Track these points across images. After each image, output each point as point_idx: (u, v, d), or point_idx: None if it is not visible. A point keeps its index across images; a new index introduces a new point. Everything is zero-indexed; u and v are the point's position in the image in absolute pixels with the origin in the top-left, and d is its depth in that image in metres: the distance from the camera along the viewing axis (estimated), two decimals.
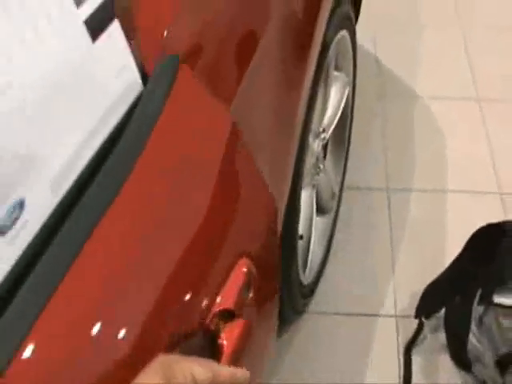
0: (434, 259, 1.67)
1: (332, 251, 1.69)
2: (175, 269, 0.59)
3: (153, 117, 0.62)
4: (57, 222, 0.53)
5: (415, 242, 1.74)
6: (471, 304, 1.40)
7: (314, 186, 1.52)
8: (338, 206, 1.74)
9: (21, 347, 0.48)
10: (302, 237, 1.41)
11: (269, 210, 0.76)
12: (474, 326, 1.39)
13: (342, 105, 1.67)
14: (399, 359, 1.49)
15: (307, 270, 1.50)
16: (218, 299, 0.63)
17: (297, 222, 1.32)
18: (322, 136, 1.55)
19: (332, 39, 1.44)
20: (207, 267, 0.64)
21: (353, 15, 1.70)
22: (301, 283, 1.43)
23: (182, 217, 0.62)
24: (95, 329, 0.52)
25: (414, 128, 2.06)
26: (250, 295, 0.67)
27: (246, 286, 0.66)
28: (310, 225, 1.51)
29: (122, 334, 0.54)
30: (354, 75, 1.79)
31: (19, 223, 0.50)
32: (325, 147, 1.63)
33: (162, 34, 0.73)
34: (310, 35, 1.23)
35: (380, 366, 1.50)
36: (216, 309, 0.63)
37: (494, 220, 1.48)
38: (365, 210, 1.82)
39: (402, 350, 1.50)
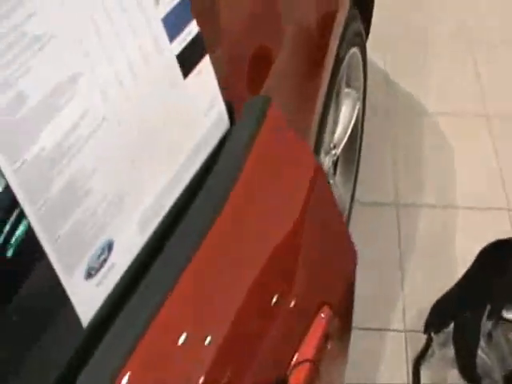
0: (443, 275, 1.68)
1: None
2: (257, 318, 0.58)
3: (241, 158, 0.60)
4: (144, 263, 0.52)
5: (424, 257, 1.75)
6: (480, 319, 1.40)
7: None
8: (348, 221, 1.76)
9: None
10: None
11: (349, 257, 0.74)
12: (482, 342, 1.40)
13: (353, 121, 1.69)
14: (408, 374, 1.50)
15: None
16: (300, 351, 0.61)
17: None
18: (333, 152, 1.57)
19: (344, 56, 1.47)
20: (291, 319, 0.62)
21: (364, 32, 1.73)
22: None
23: (267, 264, 0.60)
24: (180, 374, 0.51)
25: (424, 144, 2.08)
26: (329, 346, 0.65)
27: (326, 335, 0.65)
28: None
29: None
30: (364, 91, 1.81)
31: (107, 265, 0.49)
32: (335, 163, 1.65)
33: None
34: (324, 52, 1.25)
35: (389, 381, 1.51)
36: (297, 360, 0.61)
37: (503, 236, 1.49)
38: (374, 225, 1.83)
39: (410, 365, 1.51)
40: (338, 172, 1.72)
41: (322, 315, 0.65)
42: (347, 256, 0.74)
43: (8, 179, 0.41)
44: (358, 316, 1.63)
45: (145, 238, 0.52)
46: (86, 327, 0.48)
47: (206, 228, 0.55)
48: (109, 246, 0.48)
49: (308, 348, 0.62)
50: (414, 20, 2.52)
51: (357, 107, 1.72)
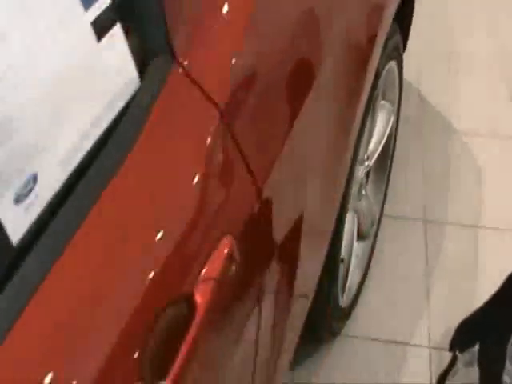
0: (470, 294, 1.67)
1: (368, 277, 1.70)
2: (160, 242, 0.66)
3: (145, 110, 0.70)
4: (65, 195, 0.62)
5: (452, 275, 1.74)
6: (507, 342, 1.39)
7: (355, 212, 1.54)
8: (377, 233, 1.76)
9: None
10: (342, 260, 1.43)
11: (249, 195, 0.82)
12: (508, 365, 1.38)
13: (387, 133, 1.69)
14: None
15: (345, 292, 1.52)
16: (203, 272, 0.69)
17: (340, 245, 1.34)
18: (366, 164, 1.57)
19: (383, 69, 1.47)
20: (194, 242, 0.70)
21: (401, 46, 1.73)
22: (338, 305, 1.45)
23: (169, 200, 0.69)
24: (99, 286, 0.60)
25: (453, 162, 2.07)
26: (233, 268, 0.73)
27: (229, 259, 0.72)
28: (351, 249, 1.52)
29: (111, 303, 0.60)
30: (399, 105, 1.82)
31: (33, 194, 0.58)
32: (367, 174, 1.66)
33: (228, 63, 0.78)
34: (366, 65, 1.26)
35: None
36: (201, 278, 0.68)
37: None
38: (402, 239, 1.83)
39: (434, 382, 1.50)
40: (369, 183, 1.72)
41: (224, 241, 0.73)
42: (247, 194, 0.81)
43: None
44: (383, 328, 1.64)
45: (66, 174, 0.62)
46: (15, 246, 0.56)
47: (113, 171, 0.65)
48: (34, 179, 0.58)
49: (211, 269, 0.69)
50: (450, 37, 2.52)
51: (391, 120, 1.73)
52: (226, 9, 0.80)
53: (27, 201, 0.57)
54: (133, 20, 0.71)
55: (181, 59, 0.74)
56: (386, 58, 1.48)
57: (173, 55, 0.74)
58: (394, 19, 1.49)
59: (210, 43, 0.78)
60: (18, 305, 0.55)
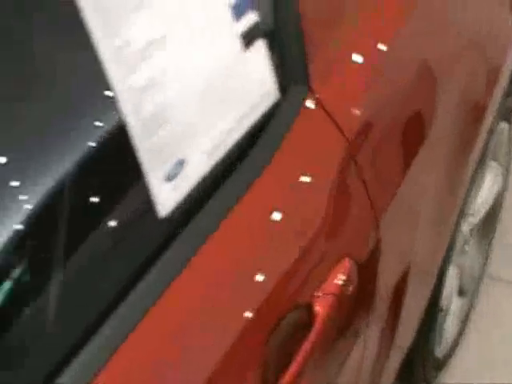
0: None
1: (465, 333, 1.69)
2: (290, 259, 0.72)
3: (279, 136, 0.77)
4: (211, 182, 0.68)
5: None
6: None
7: (457, 266, 1.55)
8: (477, 291, 1.74)
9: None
10: (441, 309, 1.45)
11: (369, 219, 0.87)
12: None
13: (495, 193, 1.70)
14: None
15: (442, 343, 1.52)
16: (322, 287, 0.74)
17: (441, 294, 1.36)
18: (471, 220, 1.59)
19: (495, 129, 1.50)
20: (318, 258, 0.76)
21: None
22: (434, 354, 1.46)
23: (298, 219, 0.75)
24: (227, 286, 0.66)
25: None
26: (351, 288, 0.78)
27: (348, 278, 0.77)
28: (450, 302, 1.53)
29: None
30: (508, 167, 1.81)
31: (180, 176, 0.65)
32: (471, 231, 1.66)
33: (357, 102, 0.86)
34: (480, 124, 1.30)
35: None
36: (322, 291, 0.74)
37: None
38: (501, 301, 1.79)
39: None
40: (473, 240, 1.72)
41: (345, 262, 0.78)
42: (366, 224, 0.86)
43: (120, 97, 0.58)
44: None
45: (210, 164, 0.68)
46: (163, 218, 0.62)
47: (246, 189, 0.71)
48: (182, 163, 0.64)
49: (331, 285, 0.75)
50: None
51: (499, 181, 1.73)
52: (358, 55, 0.90)
53: (175, 181, 0.64)
54: (274, 46, 0.78)
55: (316, 91, 0.82)
56: (499, 117, 1.51)
57: (308, 87, 0.82)
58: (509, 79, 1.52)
59: (342, 82, 0.87)
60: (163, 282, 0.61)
